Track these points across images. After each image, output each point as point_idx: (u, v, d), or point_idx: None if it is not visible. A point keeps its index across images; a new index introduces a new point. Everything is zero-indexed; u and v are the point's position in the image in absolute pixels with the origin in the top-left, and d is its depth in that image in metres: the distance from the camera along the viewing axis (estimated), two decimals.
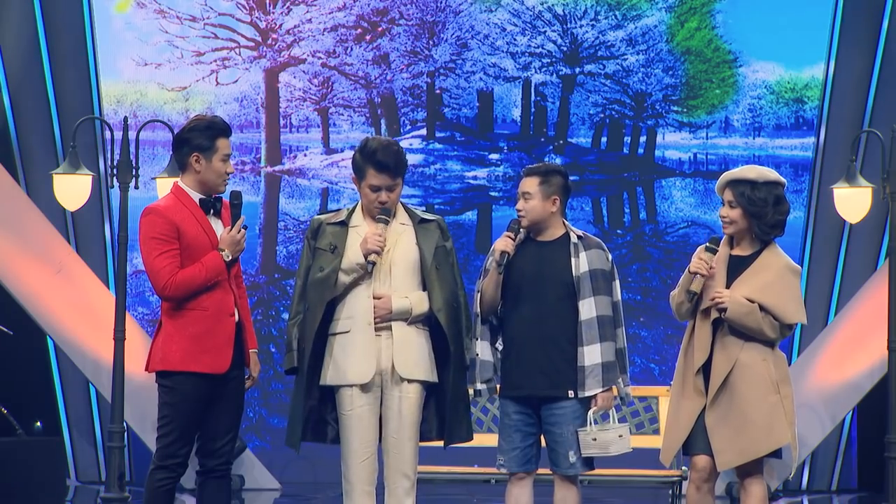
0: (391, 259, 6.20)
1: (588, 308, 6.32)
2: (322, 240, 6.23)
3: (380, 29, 12.35)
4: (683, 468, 8.56)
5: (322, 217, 6.33)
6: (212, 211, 6.16)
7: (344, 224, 6.26)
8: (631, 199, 12.44)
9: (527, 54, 12.34)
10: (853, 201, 10.22)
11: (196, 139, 6.10)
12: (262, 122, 12.37)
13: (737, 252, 6.31)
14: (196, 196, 6.13)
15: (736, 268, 6.26)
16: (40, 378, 11.99)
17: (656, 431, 9.01)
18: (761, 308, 6.14)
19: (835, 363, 11.21)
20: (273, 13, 12.31)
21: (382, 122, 12.41)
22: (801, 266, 11.67)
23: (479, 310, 6.39)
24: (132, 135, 9.97)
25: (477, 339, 6.37)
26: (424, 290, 6.23)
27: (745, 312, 6.13)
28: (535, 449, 6.43)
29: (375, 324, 6.15)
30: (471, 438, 6.34)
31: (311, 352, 6.16)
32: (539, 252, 6.41)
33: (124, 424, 9.65)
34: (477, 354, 6.36)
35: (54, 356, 11.98)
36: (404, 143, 11.66)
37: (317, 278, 6.17)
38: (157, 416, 6.13)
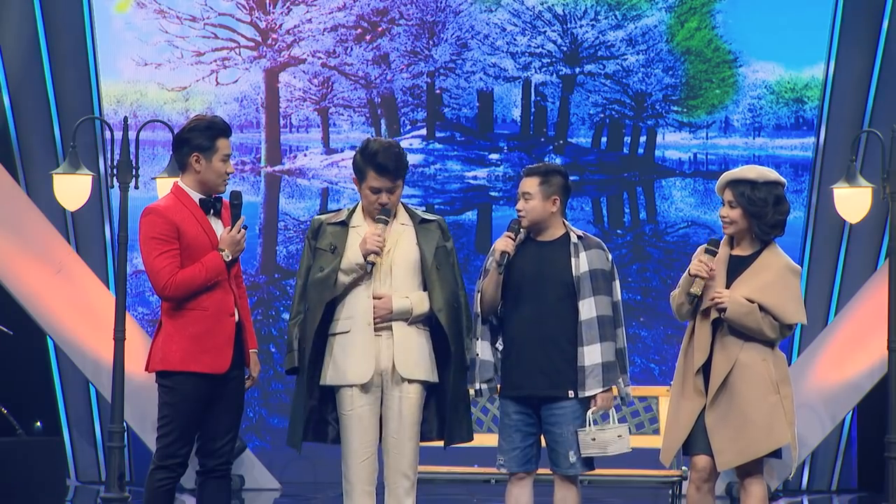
0: (392, 259, 6.20)
1: (588, 308, 6.32)
2: (322, 240, 6.24)
3: (380, 29, 12.35)
4: (683, 468, 8.56)
5: (322, 217, 6.34)
6: (212, 211, 6.16)
7: (344, 224, 6.26)
8: (631, 199, 12.44)
9: (527, 54, 12.34)
10: (853, 201, 10.22)
11: (196, 139, 6.10)
12: (262, 122, 12.37)
13: (737, 252, 6.31)
14: (196, 196, 6.13)
15: (736, 268, 6.26)
16: (40, 378, 11.99)
17: (656, 431, 9.01)
18: (761, 308, 6.14)
19: (835, 363, 11.21)
20: (273, 13, 12.31)
21: (382, 122, 12.41)
22: (801, 266, 11.68)
23: (479, 310, 6.39)
24: (132, 135, 9.97)
25: (477, 339, 6.38)
26: (425, 290, 6.23)
27: (745, 313, 6.13)
28: (535, 449, 6.43)
29: (376, 324, 6.16)
30: (471, 439, 6.35)
31: (311, 352, 6.16)
32: (539, 252, 6.41)
33: (124, 424, 9.65)
34: (477, 354, 6.36)
35: (54, 356, 11.98)
36: (404, 143, 11.66)
37: (317, 278, 6.17)
38: (157, 416, 6.13)
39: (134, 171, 9.75)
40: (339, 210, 6.38)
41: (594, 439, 6.29)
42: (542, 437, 6.43)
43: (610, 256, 6.48)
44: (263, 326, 12.10)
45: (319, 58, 12.34)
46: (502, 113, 12.43)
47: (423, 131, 12.44)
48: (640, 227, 12.39)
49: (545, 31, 12.34)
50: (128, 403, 9.85)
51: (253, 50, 12.31)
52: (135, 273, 11.76)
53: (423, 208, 6.56)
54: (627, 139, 12.39)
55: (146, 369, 6.15)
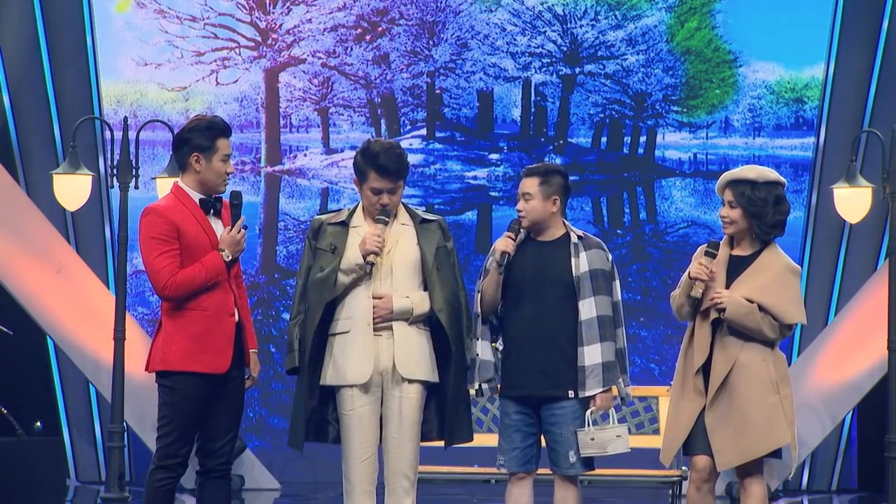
0: (392, 259, 6.20)
1: (588, 308, 6.32)
2: (323, 240, 6.24)
3: (380, 29, 12.35)
4: (683, 468, 8.56)
5: (323, 217, 6.34)
6: (212, 211, 6.16)
7: (344, 224, 6.26)
8: (631, 199, 12.44)
9: (527, 54, 12.34)
10: (853, 201, 10.22)
11: (196, 139, 6.10)
12: (262, 122, 12.37)
13: (737, 252, 6.31)
14: (196, 196, 6.13)
15: (736, 268, 6.26)
16: (40, 378, 11.99)
17: (656, 431, 9.01)
18: (761, 308, 6.14)
19: (835, 363, 11.21)
20: (273, 13, 12.31)
21: (382, 122, 12.41)
22: (801, 266, 11.68)
23: (479, 310, 6.39)
24: (132, 135, 9.97)
25: (477, 339, 6.38)
26: (425, 290, 6.23)
27: (744, 313, 6.13)
28: (536, 449, 6.43)
29: (376, 324, 6.16)
30: (471, 439, 6.35)
31: (311, 352, 6.16)
32: (539, 252, 6.41)
33: (124, 424, 9.65)
34: (477, 354, 6.37)
35: (54, 356, 11.98)
36: (404, 143, 11.66)
37: (317, 279, 6.17)
38: (157, 416, 6.13)
39: (134, 171, 9.75)
40: (340, 210, 6.38)
41: (593, 439, 6.29)
42: (542, 437, 6.43)
43: (610, 256, 6.48)
44: (263, 326, 12.10)
45: (319, 58, 12.35)
46: (502, 113, 12.43)
47: (423, 131, 12.44)
48: (640, 227, 12.39)
49: (545, 31, 12.34)
50: (128, 403, 9.85)
51: (253, 50, 12.31)
52: (135, 273, 11.76)
53: (424, 208, 6.57)
54: (627, 139, 12.39)
55: (146, 369, 6.15)
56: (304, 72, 12.35)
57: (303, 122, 12.44)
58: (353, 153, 6.29)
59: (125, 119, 9.97)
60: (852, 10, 11.98)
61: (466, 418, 6.32)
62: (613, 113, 12.39)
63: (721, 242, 6.32)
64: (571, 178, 6.63)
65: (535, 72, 12.35)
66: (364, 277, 6.16)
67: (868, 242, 11.91)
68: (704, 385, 6.21)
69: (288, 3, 12.31)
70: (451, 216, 12.18)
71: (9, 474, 9.55)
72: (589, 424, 6.31)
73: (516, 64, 12.35)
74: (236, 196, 6.19)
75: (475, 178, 12.45)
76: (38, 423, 11.64)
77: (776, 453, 6.22)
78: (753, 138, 12.35)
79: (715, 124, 12.35)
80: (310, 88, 12.38)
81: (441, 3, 12.35)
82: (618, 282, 6.48)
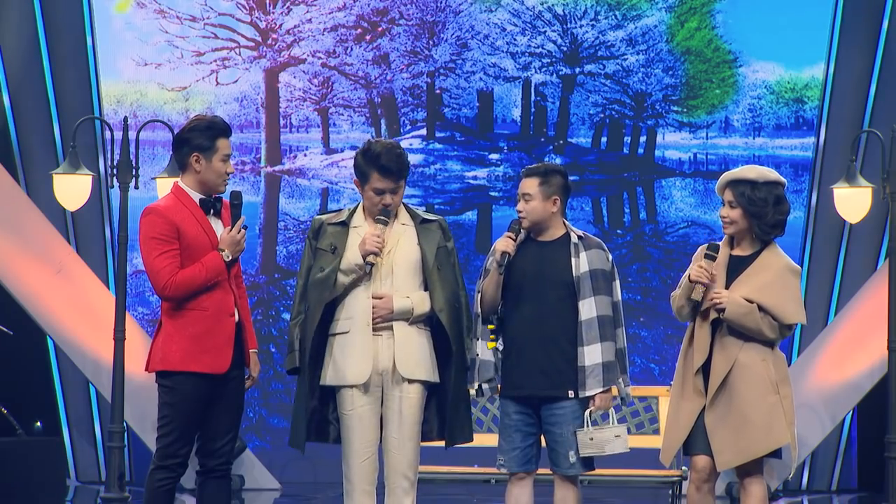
0: (393, 259, 6.21)
1: (588, 308, 6.32)
2: (323, 240, 6.24)
3: (380, 29, 12.35)
4: (683, 468, 8.56)
5: (323, 217, 6.34)
6: (212, 211, 6.16)
7: (345, 224, 6.27)
8: (631, 199, 12.44)
9: (527, 54, 12.34)
10: (853, 201, 10.22)
11: (196, 139, 6.10)
12: (262, 122, 12.37)
13: (737, 252, 6.31)
14: (196, 196, 6.13)
15: (736, 268, 6.26)
16: (40, 378, 11.99)
17: (656, 431, 9.01)
18: (760, 308, 6.14)
19: (835, 363, 11.21)
20: (273, 13, 12.31)
21: (382, 122, 12.41)
22: (801, 266, 11.68)
23: (479, 310, 6.40)
24: (132, 135, 9.97)
25: (477, 339, 6.38)
26: (426, 290, 6.23)
27: (744, 313, 6.13)
28: (536, 449, 6.43)
29: (376, 324, 6.16)
30: (471, 439, 6.35)
31: (312, 352, 6.16)
32: (539, 252, 6.41)
33: (124, 424, 9.65)
34: (477, 354, 6.37)
35: (54, 356, 11.98)
36: (404, 143, 11.66)
37: (317, 279, 6.18)
38: (157, 416, 6.13)
39: (134, 171, 9.75)
40: (340, 210, 6.39)
41: (592, 439, 6.29)
42: (542, 437, 6.43)
43: (610, 256, 6.48)
44: (263, 326, 12.10)
45: (319, 58, 12.35)
46: (502, 113, 12.43)
47: (423, 131, 12.44)
48: (640, 227, 12.39)
49: (545, 31, 12.34)
50: (128, 403, 9.85)
51: (253, 50, 12.31)
52: (135, 273, 11.76)
53: (424, 208, 6.57)
54: (627, 139, 12.39)
55: (146, 369, 6.15)
56: (304, 72, 12.35)
57: (303, 122, 12.44)
58: (353, 153, 6.30)
59: (125, 119, 9.97)
60: (852, 10, 11.98)
61: (467, 418, 6.33)
62: (613, 113, 12.39)
63: (721, 242, 6.32)
64: (571, 178, 6.63)
65: (535, 72, 12.36)
66: (364, 278, 6.16)
67: (868, 242, 11.91)
68: (704, 385, 6.21)
69: (288, 3, 12.31)
70: (451, 216, 12.18)
71: (9, 474, 9.56)
72: (588, 424, 6.31)
73: (516, 64, 12.35)
74: (236, 196, 6.20)
75: (475, 178, 12.45)
76: (38, 423, 11.64)
77: (776, 453, 6.22)
78: (753, 138, 12.35)
79: (715, 124, 12.35)
80: (310, 88, 12.38)
81: (441, 3, 12.35)
82: (618, 282, 6.48)
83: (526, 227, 6.41)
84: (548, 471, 6.46)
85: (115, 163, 9.76)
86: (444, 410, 6.28)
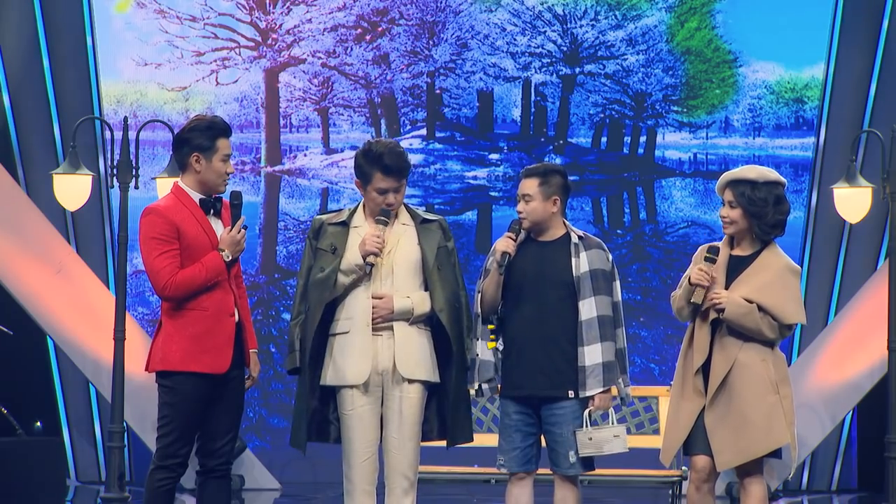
0: (393, 259, 6.21)
1: (588, 308, 6.32)
2: (323, 240, 6.25)
3: (380, 29, 12.35)
4: (683, 468, 8.56)
5: (324, 217, 6.34)
6: (212, 211, 6.16)
7: (345, 224, 6.27)
8: (631, 199, 12.44)
9: (527, 54, 12.34)
10: (853, 201, 10.22)
11: (196, 139, 6.10)
12: (262, 122, 12.37)
13: (737, 252, 6.31)
14: (196, 196, 6.13)
15: (736, 268, 6.26)
16: (40, 378, 11.99)
17: (656, 431, 9.01)
18: (760, 308, 6.14)
19: (835, 363, 11.21)
20: (273, 13, 12.31)
21: (382, 122, 12.41)
22: (801, 266, 11.68)
23: (479, 310, 6.40)
24: (132, 135, 9.97)
25: (477, 339, 6.38)
26: (426, 290, 6.23)
27: (743, 313, 6.13)
28: (536, 449, 6.43)
29: (376, 324, 6.16)
30: (472, 439, 6.36)
31: (312, 352, 6.16)
32: (540, 252, 6.41)
33: (124, 424, 9.65)
34: (477, 354, 6.37)
35: (54, 356, 11.98)
36: (404, 143, 11.66)
37: (317, 279, 6.18)
38: (157, 416, 6.13)
39: (134, 171, 9.75)
40: (341, 210, 6.39)
41: (591, 439, 6.29)
42: (542, 437, 6.43)
43: (610, 256, 6.48)
44: (263, 326, 12.10)
45: (319, 58, 12.35)
46: (502, 113, 12.43)
47: (423, 131, 12.44)
48: (640, 227, 12.39)
49: (545, 31, 12.34)
50: (128, 403, 9.85)
51: (253, 50, 12.31)
52: (135, 273, 11.76)
53: (424, 208, 6.57)
54: (627, 139, 12.39)
55: (146, 369, 6.15)
56: (304, 72, 12.35)
57: (303, 122, 12.44)
58: (353, 153, 6.30)
59: (125, 119, 9.97)
60: (852, 10, 11.98)
61: (467, 418, 6.33)
62: (613, 113, 12.39)
63: (721, 242, 6.32)
64: (571, 178, 6.63)
65: (535, 72, 12.35)
66: (364, 278, 6.17)
67: (868, 242, 11.91)
68: (704, 385, 6.21)
69: (288, 3, 12.31)
70: (451, 216, 12.18)
71: (9, 474, 9.56)
72: (587, 424, 6.31)
73: (516, 64, 12.35)
74: (236, 196, 6.20)
75: (475, 178, 12.45)
76: (38, 423, 11.64)
77: (776, 453, 6.22)
78: (753, 138, 12.35)
79: (715, 124, 12.35)
80: (310, 88, 12.38)
81: (441, 3, 12.35)
82: (618, 282, 6.48)
83: (526, 227, 6.41)
84: (548, 471, 6.46)
85: (115, 163, 9.76)
86: (445, 410, 6.28)
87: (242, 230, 6.17)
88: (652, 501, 11.16)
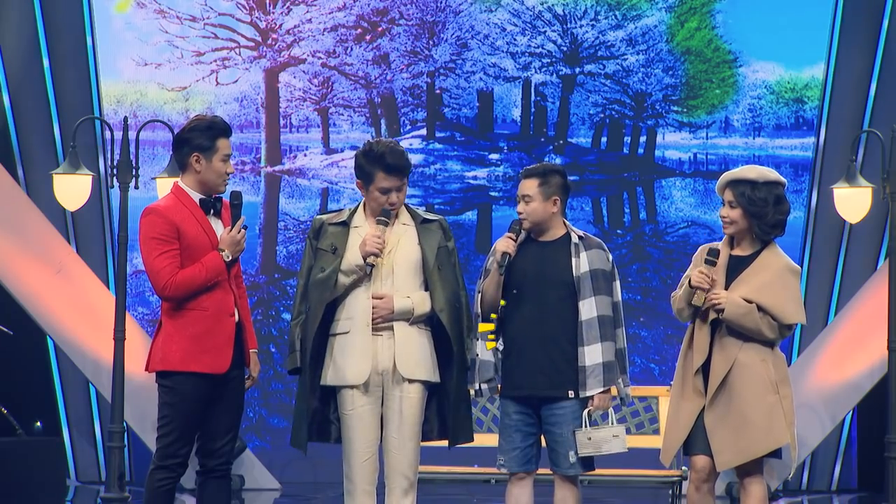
0: (393, 259, 6.21)
1: (588, 308, 6.32)
2: (324, 240, 6.25)
3: (380, 29, 12.35)
4: (683, 468, 8.56)
5: (324, 217, 6.34)
6: (212, 211, 6.16)
7: (345, 224, 6.27)
8: (631, 199, 12.44)
9: (527, 54, 12.34)
10: (853, 201, 10.22)
11: (196, 139, 6.10)
12: (262, 122, 12.37)
13: (737, 252, 6.31)
14: (196, 196, 6.13)
15: (736, 268, 6.26)
16: (40, 378, 11.99)
17: (656, 431, 9.01)
18: (760, 308, 6.14)
19: (835, 363, 11.21)
20: (273, 13, 12.31)
21: (382, 122, 12.41)
22: (801, 266, 11.68)
23: (479, 310, 6.40)
24: (132, 135, 9.98)
25: (477, 340, 6.38)
26: (426, 290, 6.23)
27: (743, 313, 6.13)
28: (536, 449, 6.43)
29: (376, 324, 6.16)
30: (472, 439, 6.36)
31: (312, 352, 6.17)
32: (540, 252, 6.41)
33: (124, 424, 9.65)
34: (477, 354, 6.37)
35: (54, 356, 11.98)
36: (404, 143, 11.66)
37: (317, 279, 6.18)
38: (157, 416, 6.13)
39: (134, 171, 9.75)
40: (341, 210, 6.39)
41: (590, 438, 6.30)
42: (543, 437, 6.43)
43: (610, 257, 6.48)
44: (263, 326, 12.10)
45: (319, 58, 12.35)
46: (502, 113, 12.43)
47: (423, 131, 12.44)
48: (640, 227, 12.39)
49: (545, 31, 12.34)
50: (128, 403, 9.85)
51: (253, 50, 12.31)
52: (135, 273, 11.76)
53: (424, 208, 6.57)
54: (627, 139, 12.39)
55: (146, 369, 6.15)
56: (304, 72, 12.35)
57: (303, 122, 12.44)
58: (353, 153, 6.30)
59: (125, 119, 9.97)
60: (852, 10, 11.98)
61: (468, 418, 6.34)
62: (613, 113, 12.39)
63: (721, 242, 6.32)
64: (571, 178, 6.63)
65: (535, 72, 12.35)
66: (364, 278, 6.17)
67: (868, 242, 11.91)
68: (704, 385, 6.21)
69: (288, 3, 12.31)
70: (451, 216, 12.18)
71: (9, 474, 9.56)
72: (586, 424, 6.31)
73: (516, 64, 12.35)
74: (236, 196, 6.20)
75: (475, 178, 12.45)
76: (38, 423, 11.64)
77: (776, 453, 6.22)
78: (753, 138, 12.35)
79: (715, 124, 12.35)
80: (310, 88, 12.38)
81: (441, 3, 12.35)
82: (618, 282, 6.48)
83: (527, 228, 6.41)
84: (548, 471, 6.46)
85: (115, 163, 9.76)
86: (445, 410, 6.28)
87: (242, 230, 6.17)
88: (652, 501, 11.16)
